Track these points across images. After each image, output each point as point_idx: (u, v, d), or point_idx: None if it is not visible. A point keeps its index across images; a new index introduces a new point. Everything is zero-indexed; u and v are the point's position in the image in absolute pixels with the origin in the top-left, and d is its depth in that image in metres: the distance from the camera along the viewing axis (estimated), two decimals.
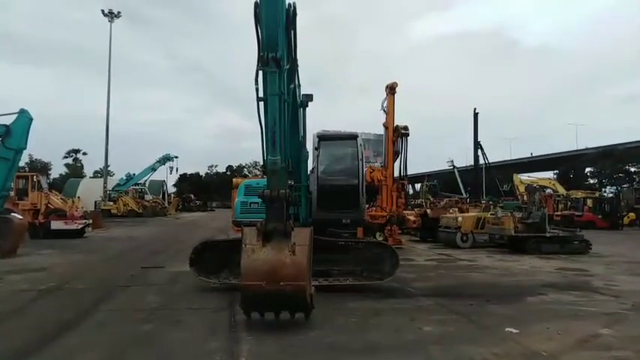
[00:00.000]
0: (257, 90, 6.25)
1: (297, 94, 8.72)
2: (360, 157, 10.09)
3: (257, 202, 12.50)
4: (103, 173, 49.96)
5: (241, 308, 5.90)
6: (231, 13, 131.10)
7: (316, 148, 10.02)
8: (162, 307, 7.37)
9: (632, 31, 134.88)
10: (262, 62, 6.07)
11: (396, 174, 17.14)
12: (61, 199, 26.17)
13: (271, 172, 6.23)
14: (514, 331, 5.96)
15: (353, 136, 10.62)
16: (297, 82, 8.41)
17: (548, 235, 15.55)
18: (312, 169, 10.00)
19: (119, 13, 45.27)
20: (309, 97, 9.51)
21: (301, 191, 9.51)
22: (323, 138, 10.33)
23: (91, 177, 74.35)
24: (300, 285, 5.60)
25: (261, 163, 6.71)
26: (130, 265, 11.83)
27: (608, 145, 54.36)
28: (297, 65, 7.92)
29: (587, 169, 55.67)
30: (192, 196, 71.09)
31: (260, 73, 6.18)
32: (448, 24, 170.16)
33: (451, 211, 22.34)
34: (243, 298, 5.76)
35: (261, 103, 6.29)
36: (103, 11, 44.65)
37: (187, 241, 16.60)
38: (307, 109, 9.62)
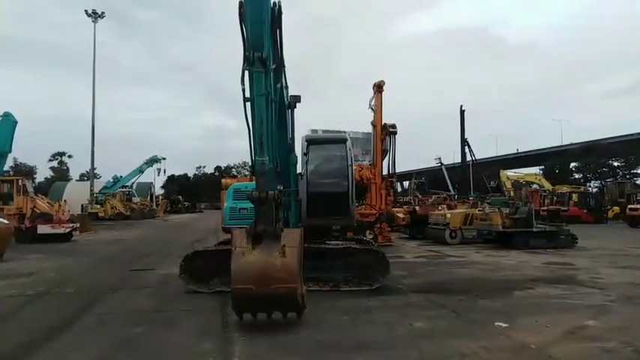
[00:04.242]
0: (243, 90, 6.21)
1: (285, 95, 8.66)
2: (349, 162, 9.81)
3: (246, 208, 12.37)
4: (90, 176, 49.37)
5: (233, 310, 5.89)
6: (218, 12, 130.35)
7: (305, 153, 9.79)
8: (153, 309, 7.34)
9: (615, 27, 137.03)
10: (248, 62, 6.03)
11: (385, 172, 17.24)
12: (48, 203, 25.81)
13: (260, 173, 6.18)
14: (503, 325, 6.05)
15: (342, 140, 10.39)
16: (284, 83, 8.31)
17: (535, 230, 15.74)
18: (301, 174, 9.81)
19: (103, 13, 44.99)
20: (297, 99, 9.37)
21: (291, 196, 9.37)
22: (312, 142, 10.10)
23: (77, 180, 73.51)
24: (292, 287, 5.58)
25: (250, 163, 6.66)
26: (119, 269, 11.72)
27: (592, 141, 55.18)
28: (284, 65, 7.87)
29: (572, 164, 56.42)
30: (180, 197, 70.61)
31: (246, 73, 6.14)
32: (434, 21, 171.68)
33: (439, 207, 22.51)
34: (234, 302, 5.73)
35: (248, 104, 6.24)
36: (86, 11, 44.34)
37: (176, 243, 16.56)
38: (295, 110, 9.53)
